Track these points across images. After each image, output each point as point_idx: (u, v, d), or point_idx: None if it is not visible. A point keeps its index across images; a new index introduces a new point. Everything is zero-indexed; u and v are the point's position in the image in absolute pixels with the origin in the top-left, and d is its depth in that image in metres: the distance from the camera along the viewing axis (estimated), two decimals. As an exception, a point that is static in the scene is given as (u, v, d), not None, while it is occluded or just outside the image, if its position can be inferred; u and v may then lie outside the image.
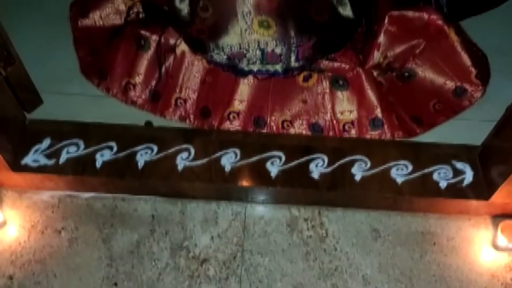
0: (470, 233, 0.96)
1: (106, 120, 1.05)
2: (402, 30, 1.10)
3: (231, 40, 1.00)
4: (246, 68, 1.03)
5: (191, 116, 1.09)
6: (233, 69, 1.04)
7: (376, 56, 1.10)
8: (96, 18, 1.21)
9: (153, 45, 1.08)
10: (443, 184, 0.94)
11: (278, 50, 1.00)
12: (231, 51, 1.01)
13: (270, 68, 1.03)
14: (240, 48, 1.00)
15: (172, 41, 1.07)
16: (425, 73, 1.11)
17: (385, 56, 1.11)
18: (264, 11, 0.98)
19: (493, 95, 1.11)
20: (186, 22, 1.03)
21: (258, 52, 1.00)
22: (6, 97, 0.94)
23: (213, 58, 1.03)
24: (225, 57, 1.02)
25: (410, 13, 1.09)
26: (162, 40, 1.07)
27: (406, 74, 1.12)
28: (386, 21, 1.09)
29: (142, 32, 1.08)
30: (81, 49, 1.19)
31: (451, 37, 1.08)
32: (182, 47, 1.07)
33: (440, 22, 1.07)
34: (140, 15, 1.13)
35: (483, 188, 0.93)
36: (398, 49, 1.11)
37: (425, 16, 1.08)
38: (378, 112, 1.05)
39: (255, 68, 1.03)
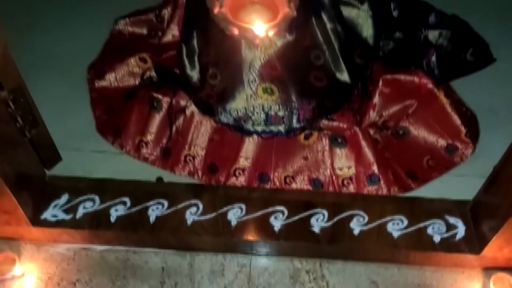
0: (464, 285, 1.01)
1: (120, 175, 1.12)
2: (395, 92, 1.19)
3: (237, 105, 1.09)
4: (251, 129, 1.11)
5: (199, 172, 1.16)
6: (239, 129, 1.12)
7: (372, 115, 1.19)
8: (111, 79, 1.31)
9: (165, 106, 1.17)
10: (437, 238, 0.99)
11: (281, 113, 1.09)
12: (237, 114, 1.10)
13: (274, 128, 1.11)
14: (246, 111, 1.09)
15: (182, 103, 1.16)
16: (418, 131, 1.19)
17: (380, 115, 1.19)
18: (267, 78, 1.07)
19: (483, 152, 1.18)
20: (196, 87, 1.13)
21: (263, 115, 1.09)
22: (29, 157, 1.02)
23: (221, 120, 1.12)
24: (232, 119, 1.10)
25: (402, 77, 1.19)
26: (174, 102, 1.16)
27: (401, 132, 1.19)
28: (380, 83, 1.18)
29: (155, 94, 1.18)
30: (97, 108, 1.28)
31: (441, 99, 1.17)
32: (192, 108, 1.15)
33: (430, 85, 1.17)
34: (153, 79, 1.22)
35: (475, 242, 0.99)
36: (393, 109, 1.19)
37: (416, 79, 1.17)
38: (375, 169, 1.12)
39: (259, 128, 1.11)
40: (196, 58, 1.13)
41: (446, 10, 1.49)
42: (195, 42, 1.12)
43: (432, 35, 1.38)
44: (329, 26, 1.13)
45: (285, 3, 0.89)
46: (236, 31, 0.90)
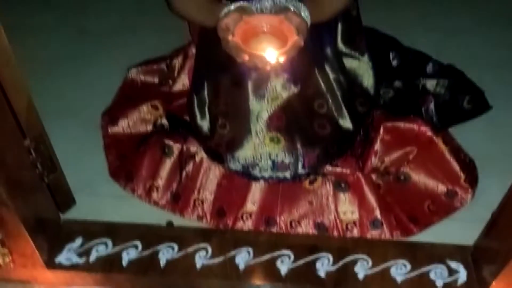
0: (467, 329, 1.03)
1: (132, 219, 1.17)
2: (396, 139, 1.24)
3: (245, 153, 1.14)
4: (258, 175, 1.15)
5: (208, 216, 1.20)
6: (247, 175, 1.17)
7: (374, 161, 1.24)
8: (124, 126, 1.37)
9: (176, 152, 1.23)
10: (439, 283, 1.02)
11: (286, 161, 1.14)
12: (245, 162, 1.15)
13: (280, 175, 1.15)
14: (254, 159, 1.14)
15: (193, 149, 1.21)
16: (419, 176, 1.23)
17: (382, 161, 1.24)
18: (274, 128, 1.13)
19: (482, 197, 1.22)
20: (206, 136, 1.18)
21: (269, 162, 1.14)
22: (47, 201, 1.07)
23: (230, 167, 1.17)
24: (240, 166, 1.15)
25: (402, 124, 1.24)
26: (184, 148, 1.21)
27: (402, 177, 1.24)
28: (381, 130, 1.23)
29: (167, 141, 1.23)
30: (110, 154, 1.33)
31: (440, 146, 1.22)
32: (202, 154, 1.21)
33: (429, 133, 1.22)
34: (165, 126, 1.28)
35: (476, 287, 1.02)
36: (393, 155, 1.24)
37: (416, 127, 1.23)
38: (377, 214, 1.16)
39: (266, 174, 1.15)
40: (206, 109, 1.19)
41: (443, 59, 1.58)
42: (205, 94, 1.19)
43: (430, 83, 1.46)
44: (332, 76, 1.20)
45: (293, 32, 0.93)
46: (247, 58, 0.93)
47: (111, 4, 1.93)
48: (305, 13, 0.96)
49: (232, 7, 0.96)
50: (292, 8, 0.94)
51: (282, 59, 0.92)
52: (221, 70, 1.15)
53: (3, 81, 0.84)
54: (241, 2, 0.98)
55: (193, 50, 1.37)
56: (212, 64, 1.18)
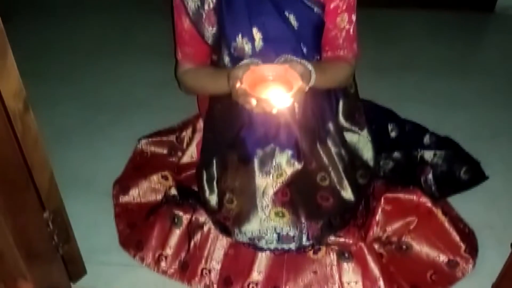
0: None
1: (140, 287, 1.19)
2: (396, 209, 1.29)
3: (252, 227, 1.19)
4: (264, 247, 1.20)
5: (215, 286, 1.23)
6: (253, 246, 1.21)
7: (376, 231, 1.28)
8: (135, 195, 1.43)
9: (185, 222, 1.27)
10: None
11: (291, 233, 1.18)
12: (252, 235, 1.19)
13: (285, 246, 1.19)
14: (260, 233, 1.19)
15: (201, 220, 1.26)
16: (420, 246, 1.27)
17: (384, 231, 1.28)
18: (279, 204, 1.19)
19: (483, 266, 1.25)
20: (214, 210, 1.24)
21: (275, 235, 1.18)
22: (59, 271, 1.10)
23: (237, 239, 1.21)
24: (246, 238, 1.20)
25: (402, 195, 1.30)
26: (193, 218, 1.26)
27: (404, 247, 1.27)
28: (382, 201, 1.29)
29: (176, 211, 1.28)
30: (121, 223, 1.38)
31: (439, 217, 1.26)
32: (210, 224, 1.26)
33: (428, 204, 1.27)
34: (175, 196, 1.34)
35: None
36: (395, 225, 1.29)
37: (415, 198, 1.28)
38: (381, 284, 1.18)
39: (272, 246, 1.19)
40: (215, 184, 1.25)
41: (439, 129, 1.65)
42: (214, 169, 1.25)
43: (428, 155, 1.53)
44: (334, 150, 1.26)
45: (298, 78, 0.98)
46: (254, 103, 0.97)
47: (123, 78, 2.06)
48: (309, 65, 1.06)
49: (242, 62, 1.06)
50: (295, 59, 1.04)
51: (288, 104, 0.97)
52: (228, 148, 1.23)
53: (29, 161, 0.90)
54: (251, 59, 1.08)
55: (201, 124, 1.45)
56: (220, 141, 1.25)
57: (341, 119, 1.35)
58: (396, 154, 1.52)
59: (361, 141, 1.36)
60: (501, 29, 2.44)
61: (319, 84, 1.09)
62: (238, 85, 0.99)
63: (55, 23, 2.43)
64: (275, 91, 0.99)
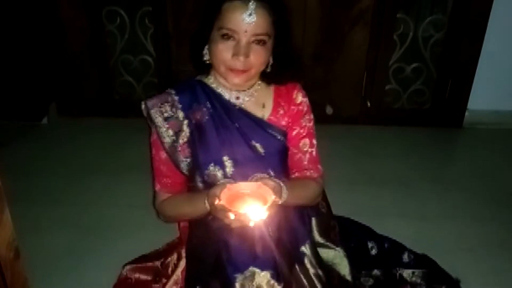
0: None
1: None
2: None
3: None
4: None
5: None
6: None
7: None
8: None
9: None
10: None
11: None
12: None
13: None
14: None
15: None
16: None
17: None
18: None
19: None
20: None
21: None
22: None
23: None
24: None
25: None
26: None
27: None
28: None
29: None
30: None
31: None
32: None
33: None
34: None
35: None
36: None
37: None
38: None
39: None
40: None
41: (417, 244, 1.69)
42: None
43: (406, 273, 1.58)
44: (312, 271, 1.30)
45: (271, 193, 1.09)
46: (232, 217, 1.06)
47: (109, 200, 2.11)
48: (279, 181, 1.16)
49: (219, 182, 1.18)
50: (267, 176, 1.16)
51: (264, 216, 1.07)
52: (210, 275, 1.26)
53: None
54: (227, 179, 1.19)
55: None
56: (202, 269, 1.29)
57: (316, 235, 1.39)
58: (376, 272, 1.56)
59: (337, 257, 1.40)
60: (470, 144, 2.62)
61: (290, 200, 1.19)
62: (216, 202, 1.09)
63: (44, 148, 2.52)
64: (251, 205, 1.09)
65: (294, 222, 1.32)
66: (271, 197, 1.08)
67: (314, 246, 1.36)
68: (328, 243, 1.41)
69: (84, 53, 2.63)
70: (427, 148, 2.55)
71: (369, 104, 2.69)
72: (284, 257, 1.26)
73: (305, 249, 1.32)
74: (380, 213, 1.93)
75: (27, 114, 2.67)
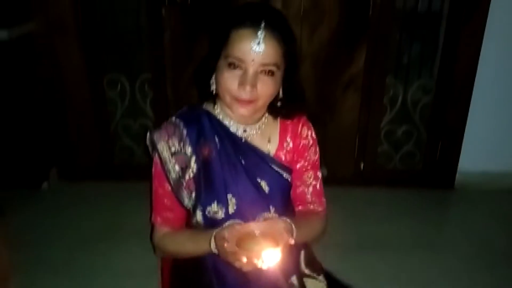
0: None
1: None
2: None
3: None
4: None
5: None
6: None
7: None
8: None
9: None
10: None
11: None
12: None
13: None
14: None
15: None
16: None
17: None
18: None
19: None
20: None
21: None
22: None
23: None
24: None
25: None
26: None
27: None
28: None
29: None
30: None
31: None
32: None
33: None
34: None
35: None
36: None
37: None
38: None
39: None
40: None
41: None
42: None
43: None
44: None
45: (283, 233, 1.03)
46: (244, 260, 0.99)
47: (109, 268, 2.09)
48: (288, 220, 1.12)
49: (226, 223, 1.13)
50: (275, 216, 1.13)
51: (278, 259, 1.01)
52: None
53: None
54: (233, 220, 1.15)
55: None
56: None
57: (303, 266, 1.38)
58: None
59: (318, 286, 1.37)
60: (462, 205, 2.65)
61: (298, 239, 1.13)
62: (225, 244, 1.03)
63: (44, 215, 2.51)
64: (263, 247, 1.02)
65: (284, 255, 1.24)
66: (284, 238, 1.03)
67: (301, 277, 1.35)
68: (312, 273, 1.39)
69: (85, 118, 2.71)
70: (420, 210, 2.58)
71: (362, 165, 2.75)
72: None
73: (294, 280, 1.31)
74: (373, 279, 1.93)
75: (27, 181, 2.67)
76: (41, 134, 2.68)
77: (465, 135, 2.67)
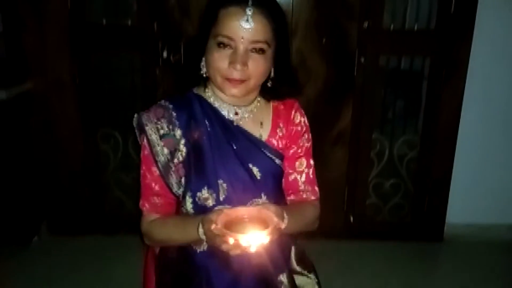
0: None
1: None
2: None
3: None
4: None
5: None
6: None
7: None
8: None
9: None
10: None
11: None
12: None
13: None
14: None
15: None
16: None
17: None
18: None
19: None
20: None
21: None
22: None
23: None
24: None
25: None
26: None
27: None
28: None
29: None
30: None
31: None
32: None
33: None
34: None
35: None
36: None
37: None
38: None
39: None
40: None
41: None
42: None
43: None
44: None
45: (273, 216, 1.01)
46: (232, 241, 0.97)
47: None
48: (280, 207, 1.10)
49: (215, 208, 1.12)
50: (266, 202, 1.11)
51: (266, 241, 0.99)
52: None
53: None
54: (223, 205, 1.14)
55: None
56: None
57: (294, 263, 1.37)
58: None
59: (309, 284, 1.37)
60: (451, 258, 2.67)
61: (289, 226, 1.11)
62: (213, 226, 1.01)
63: (34, 271, 2.49)
64: (251, 230, 1.01)
65: (275, 251, 1.25)
66: (274, 221, 1.01)
67: (291, 274, 1.34)
68: (303, 270, 1.38)
69: (77, 172, 2.73)
70: (409, 262, 2.59)
71: (352, 218, 2.78)
72: (261, 286, 1.24)
73: (283, 278, 1.29)
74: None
75: (17, 235, 2.64)
76: (33, 188, 2.68)
77: (451, 188, 2.73)
